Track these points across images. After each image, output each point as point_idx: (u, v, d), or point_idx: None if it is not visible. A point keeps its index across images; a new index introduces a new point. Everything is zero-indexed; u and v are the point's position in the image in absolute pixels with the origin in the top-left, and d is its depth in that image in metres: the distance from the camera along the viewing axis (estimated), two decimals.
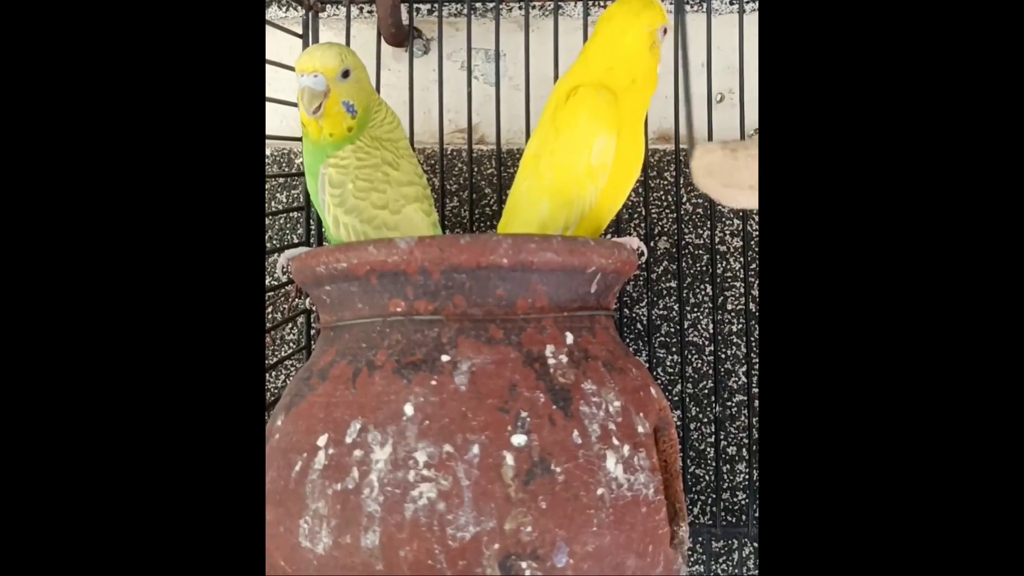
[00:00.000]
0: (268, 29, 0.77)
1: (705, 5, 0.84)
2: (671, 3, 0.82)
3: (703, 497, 0.87)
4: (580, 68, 0.67)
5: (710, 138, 0.80)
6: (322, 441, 0.49)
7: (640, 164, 0.69)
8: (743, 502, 0.86)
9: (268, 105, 0.79)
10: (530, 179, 0.67)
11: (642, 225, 0.87)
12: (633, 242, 0.62)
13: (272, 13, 0.91)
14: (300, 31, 0.83)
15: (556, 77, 0.80)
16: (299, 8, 0.86)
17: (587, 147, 0.64)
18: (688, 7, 0.88)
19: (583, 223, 0.66)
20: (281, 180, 0.91)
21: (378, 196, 0.64)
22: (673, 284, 0.87)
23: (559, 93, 0.67)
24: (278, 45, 0.84)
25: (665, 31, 0.67)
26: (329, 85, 0.64)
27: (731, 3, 0.88)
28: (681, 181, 0.86)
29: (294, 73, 0.65)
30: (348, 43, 0.82)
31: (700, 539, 0.85)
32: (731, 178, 0.47)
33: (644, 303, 0.86)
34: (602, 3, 0.88)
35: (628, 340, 0.86)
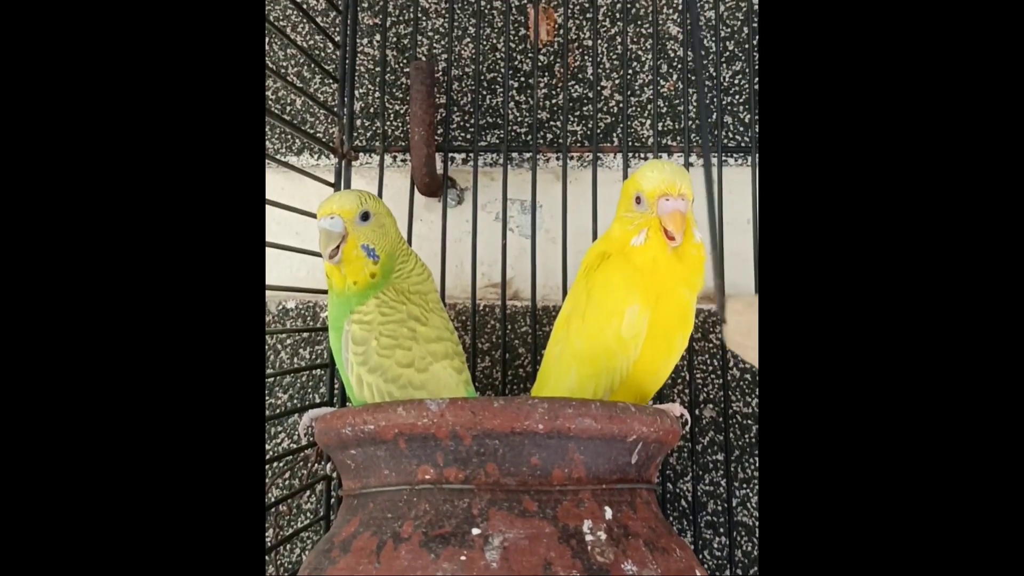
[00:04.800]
0: (299, 177, 0.83)
1: (749, 159, 0.89)
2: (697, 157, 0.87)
3: None
4: (613, 233, 0.69)
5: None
6: None
7: (687, 334, 0.68)
8: None
9: (295, 256, 0.83)
10: (561, 343, 0.69)
11: (686, 391, 0.88)
12: (676, 409, 0.63)
13: (304, 161, 0.97)
14: (332, 179, 0.89)
15: (595, 230, 0.84)
16: (331, 156, 0.92)
17: (618, 315, 0.65)
18: (732, 161, 0.92)
19: (621, 393, 0.67)
20: (305, 335, 0.94)
21: (403, 354, 0.66)
22: (720, 456, 0.88)
23: (592, 255, 0.70)
24: (309, 193, 0.89)
25: (639, 199, 0.65)
26: (347, 228, 0.67)
27: None
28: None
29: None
30: (380, 192, 0.87)
31: None
32: None
33: (689, 477, 0.87)
34: (643, 155, 0.93)
35: (671, 518, 0.87)
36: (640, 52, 0.96)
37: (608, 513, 0.55)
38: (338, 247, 0.67)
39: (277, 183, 0.95)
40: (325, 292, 0.84)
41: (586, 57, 0.96)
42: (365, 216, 0.68)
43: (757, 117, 0.92)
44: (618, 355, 0.65)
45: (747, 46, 0.94)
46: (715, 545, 0.87)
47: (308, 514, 0.90)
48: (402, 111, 0.97)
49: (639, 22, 0.97)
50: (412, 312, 0.68)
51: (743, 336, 0.48)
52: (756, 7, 0.94)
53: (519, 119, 0.96)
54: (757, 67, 0.93)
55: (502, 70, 0.96)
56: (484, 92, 0.97)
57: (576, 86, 0.96)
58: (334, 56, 0.96)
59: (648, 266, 0.65)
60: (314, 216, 0.81)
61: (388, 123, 0.96)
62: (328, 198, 0.69)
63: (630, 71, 0.96)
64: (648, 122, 0.95)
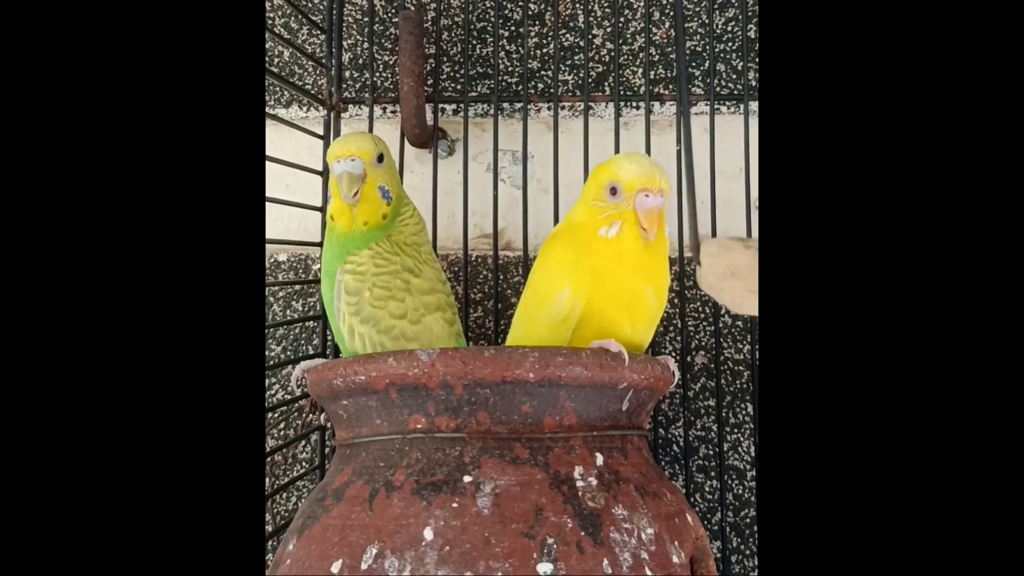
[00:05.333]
0: (288, 130, 0.82)
1: (742, 107, 0.88)
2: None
3: None
4: (578, 219, 0.66)
5: None
6: (336, 567, 0.51)
7: (643, 302, 0.64)
8: None
9: (286, 209, 0.83)
10: (514, 320, 0.69)
11: (678, 339, 0.89)
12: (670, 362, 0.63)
13: (292, 113, 0.96)
14: (321, 132, 0.88)
15: (585, 181, 0.83)
16: (320, 108, 0.91)
17: (548, 300, 0.64)
18: (725, 109, 0.92)
19: None
20: (298, 288, 0.94)
21: (396, 305, 0.66)
22: (711, 403, 0.89)
23: (548, 238, 0.68)
24: (298, 146, 0.88)
25: (614, 190, 0.62)
26: (366, 169, 0.67)
27: None
28: None
29: (315, 172, 0.67)
30: None
31: None
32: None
33: (680, 423, 0.88)
34: (635, 104, 0.93)
35: (663, 463, 0.88)
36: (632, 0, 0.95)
37: (599, 459, 0.55)
38: (358, 189, 0.67)
39: (266, 136, 0.95)
40: (316, 245, 0.84)
41: (577, 5, 0.95)
42: (380, 158, 0.69)
43: (750, 65, 0.91)
44: (547, 339, 0.64)
45: None
46: (706, 488, 0.87)
47: (303, 463, 0.91)
48: (391, 62, 0.96)
49: None
50: (406, 264, 0.68)
51: (717, 279, 0.48)
52: None
53: (510, 69, 0.95)
54: (750, 14, 0.92)
55: (492, 19, 0.95)
56: (474, 42, 0.96)
57: (567, 35, 0.95)
58: (321, 7, 0.95)
59: (606, 253, 0.62)
60: (304, 169, 0.81)
61: (377, 74, 0.96)
62: (343, 139, 0.69)
63: (622, 19, 0.95)
64: (640, 71, 0.94)
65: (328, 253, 0.70)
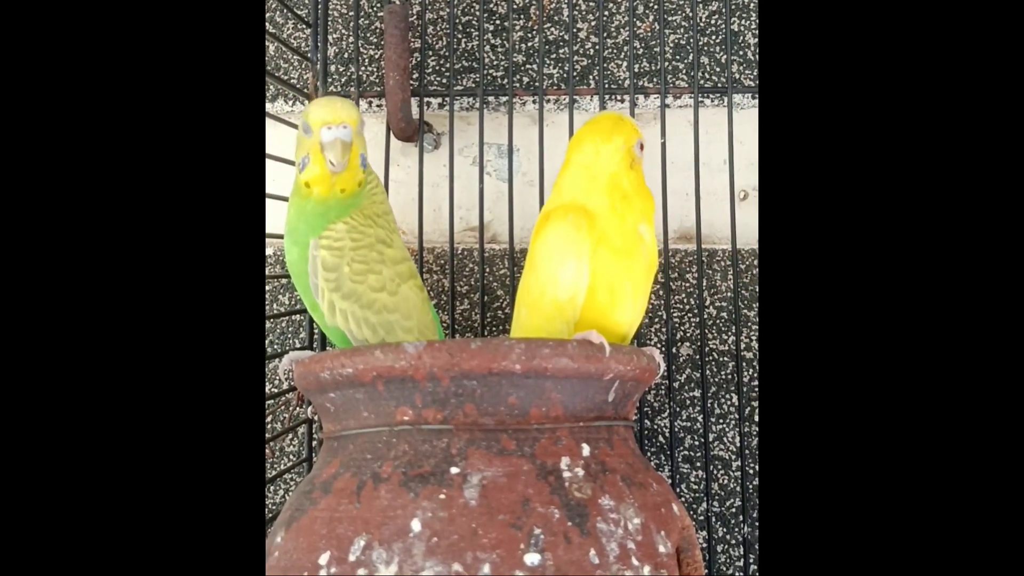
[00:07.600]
0: (273, 124, 0.81)
1: (726, 100, 0.88)
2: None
3: None
4: (556, 192, 0.67)
5: (733, 235, 0.83)
6: (324, 559, 0.50)
7: (643, 272, 0.65)
8: None
9: (273, 203, 0.83)
10: (516, 312, 0.69)
11: (663, 330, 0.89)
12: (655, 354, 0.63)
13: (278, 108, 0.96)
14: None
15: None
16: (306, 103, 0.91)
17: (554, 280, 0.63)
18: (708, 102, 0.92)
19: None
20: (284, 281, 0.94)
21: (375, 278, 0.66)
22: (697, 393, 0.89)
23: (540, 218, 0.68)
24: (283, 140, 0.87)
25: (642, 146, 0.66)
26: (353, 137, 0.65)
27: (753, 97, 0.92)
28: (704, 283, 0.88)
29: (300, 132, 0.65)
30: None
31: None
32: None
33: (666, 414, 0.88)
34: (619, 97, 0.92)
35: (649, 453, 0.87)
36: None
37: (585, 450, 0.55)
38: (348, 157, 0.64)
39: None
40: None
41: None
42: (362, 126, 0.67)
43: (734, 58, 0.91)
44: (555, 320, 0.64)
45: None
46: (692, 479, 0.88)
47: (291, 456, 0.91)
48: (376, 56, 0.95)
49: None
50: (379, 235, 0.67)
51: None
52: None
53: (495, 62, 0.95)
54: (733, 7, 0.92)
55: (477, 13, 0.95)
56: (459, 35, 0.95)
57: (552, 28, 0.95)
58: (306, 1, 0.95)
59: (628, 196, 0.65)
60: (291, 164, 0.80)
61: (362, 68, 0.95)
62: (327, 106, 0.65)
63: (606, 12, 0.95)
64: (624, 64, 0.94)
65: (297, 220, 0.67)
